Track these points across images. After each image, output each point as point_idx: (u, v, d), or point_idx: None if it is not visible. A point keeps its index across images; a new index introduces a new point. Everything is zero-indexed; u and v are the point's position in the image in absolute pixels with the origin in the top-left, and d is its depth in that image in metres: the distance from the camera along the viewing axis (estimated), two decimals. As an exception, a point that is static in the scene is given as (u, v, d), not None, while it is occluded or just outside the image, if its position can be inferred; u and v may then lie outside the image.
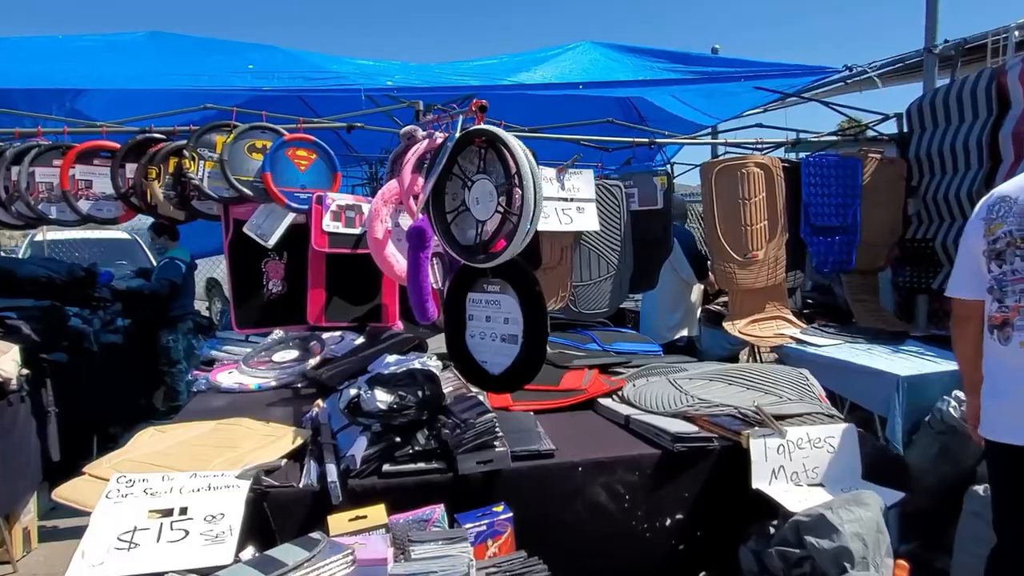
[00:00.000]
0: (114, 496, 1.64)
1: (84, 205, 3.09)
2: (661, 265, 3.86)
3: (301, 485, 1.75)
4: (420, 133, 2.76)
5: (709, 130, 5.99)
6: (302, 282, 3.29)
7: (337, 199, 3.28)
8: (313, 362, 2.91)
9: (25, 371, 3.01)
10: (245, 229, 3.23)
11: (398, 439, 1.86)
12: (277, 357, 3.00)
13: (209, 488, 1.68)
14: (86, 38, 4.10)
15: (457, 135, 1.93)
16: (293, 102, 3.80)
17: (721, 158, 4.10)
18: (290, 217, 3.29)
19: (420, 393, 1.94)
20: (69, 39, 4.05)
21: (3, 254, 7.80)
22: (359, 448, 1.79)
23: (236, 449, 1.90)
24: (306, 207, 3.25)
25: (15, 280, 3.91)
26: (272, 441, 1.95)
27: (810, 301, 4.43)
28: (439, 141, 2.64)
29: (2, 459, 2.79)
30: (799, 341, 3.64)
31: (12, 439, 2.93)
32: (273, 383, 2.80)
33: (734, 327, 3.93)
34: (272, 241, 3.26)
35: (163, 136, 3.20)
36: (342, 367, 2.72)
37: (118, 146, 3.12)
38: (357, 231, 3.28)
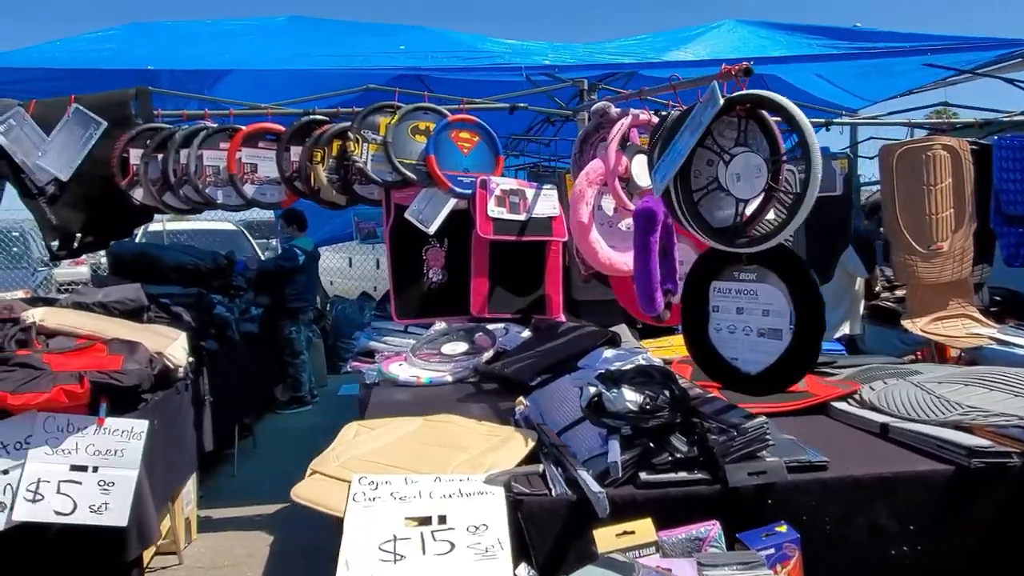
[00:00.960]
0: (361, 500, 1.49)
1: (249, 189, 3.01)
2: (837, 258, 3.55)
3: (554, 494, 1.56)
4: (614, 110, 2.55)
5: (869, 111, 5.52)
6: (463, 271, 3.13)
7: (501, 183, 3.11)
8: (487, 355, 2.74)
9: (191, 359, 2.95)
10: (407, 215, 3.09)
11: (651, 444, 1.65)
12: (446, 349, 2.85)
13: (461, 494, 1.51)
14: (230, 22, 4.06)
15: (720, 102, 1.70)
16: (443, 84, 3.65)
17: (902, 140, 3.75)
18: (452, 203, 3.14)
19: (669, 392, 1.73)
20: (214, 23, 4.02)
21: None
22: (614, 453, 1.59)
23: (467, 450, 1.73)
24: (469, 192, 3.09)
25: (161, 267, 3.90)
26: (501, 442, 1.78)
27: (998, 299, 4.03)
28: (644, 117, 2.43)
29: (168, 446, 2.73)
30: (1001, 342, 3.27)
31: (177, 426, 2.88)
32: (448, 377, 2.64)
33: (915, 325, 3.58)
34: (434, 227, 3.11)
35: (326, 118, 3.09)
36: (526, 361, 2.54)
37: (283, 128, 3.03)
38: (522, 217, 3.10)
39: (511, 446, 1.74)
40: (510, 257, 3.12)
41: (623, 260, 2.31)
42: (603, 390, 1.73)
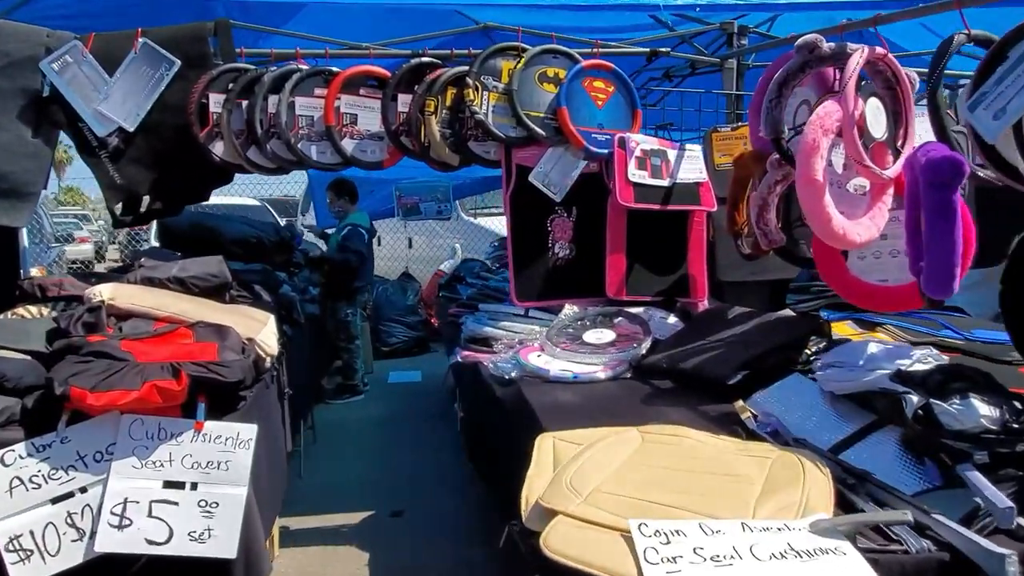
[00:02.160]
0: (658, 561, 1.03)
1: (348, 145, 2.53)
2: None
3: (914, 550, 1.10)
4: (826, 45, 2.07)
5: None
6: (594, 245, 2.66)
7: (642, 142, 2.63)
8: (645, 346, 2.28)
9: (280, 348, 2.49)
10: (532, 178, 2.61)
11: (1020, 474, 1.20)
12: (590, 338, 2.38)
13: (796, 552, 1.05)
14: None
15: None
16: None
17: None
18: (582, 164, 2.66)
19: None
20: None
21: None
22: (997, 496, 1.13)
23: (748, 480, 1.27)
24: (606, 151, 2.61)
25: (221, 240, 3.42)
26: (786, 468, 1.31)
27: None
28: (880, 51, 1.95)
29: (269, 454, 2.26)
30: None
31: (272, 428, 2.41)
32: (600, 374, 2.17)
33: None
34: (562, 193, 2.64)
35: (439, 61, 2.60)
36: (710, 353, 2.07)
37: (388, 73, 2.54)
38: (666, 183, 2.62)
39: (814, 481, 1.27)
40: (649, 230, 2.65)
41: (856, 231, 1.84)
42: (936, 401, 1.27)
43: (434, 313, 6.96)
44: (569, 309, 2.57)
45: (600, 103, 2.65)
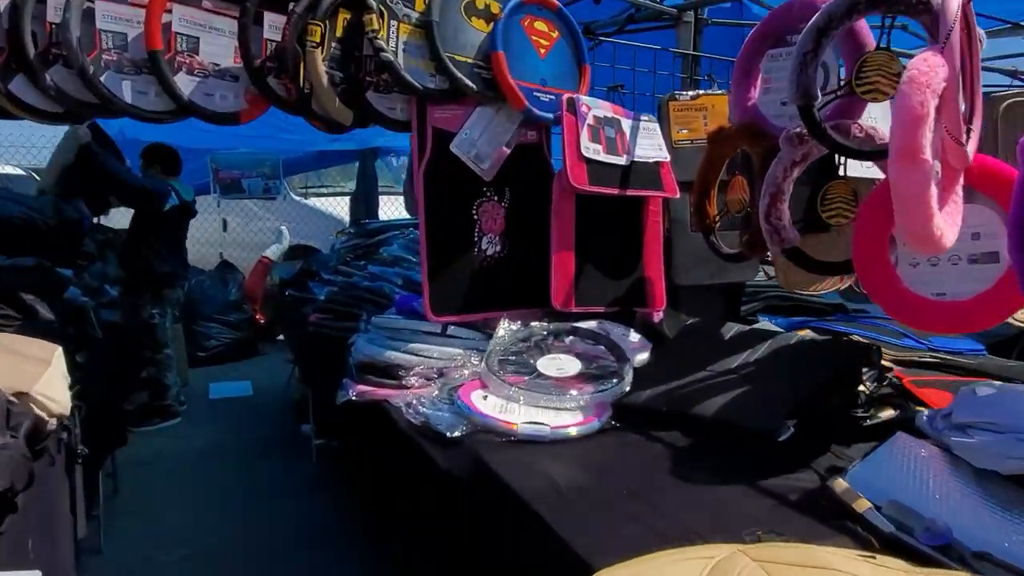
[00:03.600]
0: None
1: (185, 83, 1.65)
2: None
3: None
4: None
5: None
6: (531, 239, 2.02)
7: (594, 107, 2.02)
8: (628, 379, 1.68)
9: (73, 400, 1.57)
10: (454, 147, 1.90)
11: None
12: (546, 367, 1.74)
13: None
14: None
15: None
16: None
17: None
18: (517, 131, 2.00)
19: None
20: None
21: None
22: None
23: None
24: (551, 115, 1.97)
25: (-32, 222, 2.33)
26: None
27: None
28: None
29: (41, 550, 1.37)
30: None
31: (56, 522, 1.51)
32: (576, 428, 1.53)
33: None
34: (493, 169, 1.96)
35: (325, -28, 1.80)
36: (737, 394, 1.52)
37: (249, -21, 1.70)
38: (622, 160, 2.04)
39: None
40: (599, 222, 2.06)
41: (951, 232, 1.37)
42: None
43: (260, 308, 5.94)
44: (506, 325, 1.91)
45: (543, 51, 2.00)
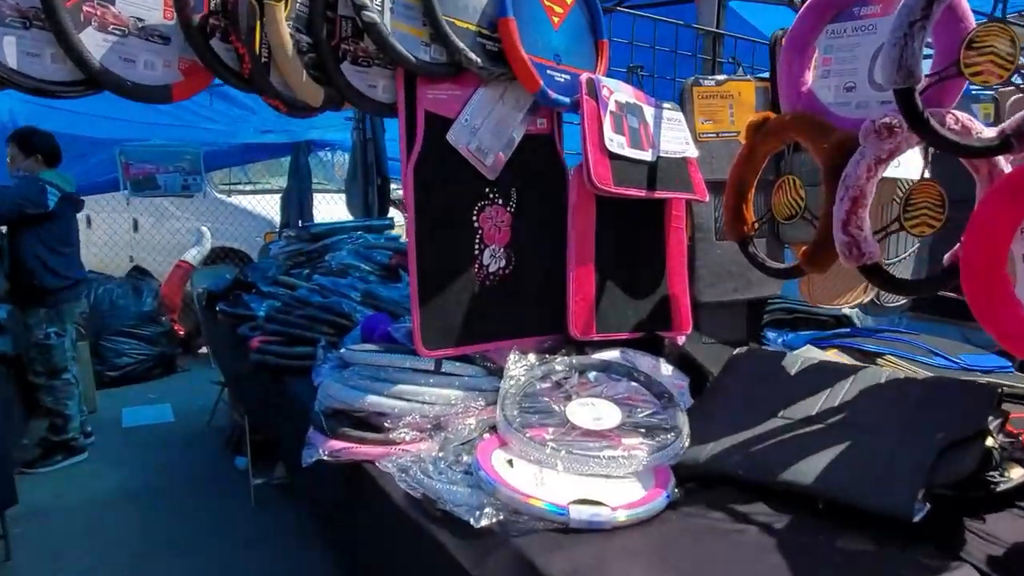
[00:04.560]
0: None
1: (95, 43, 1.20)
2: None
3: None
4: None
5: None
6: (542, 252, 1.64)
7: (616, 90, 1.67)
8: (684, 432, 1.33)
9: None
10: (451, 137, 1.51)
11: None
12: (579, 415, 1.37)
13: None
14: None
15: None
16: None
17: None
18: (526, 118, 1.62)
19: None
20: None
21: None
22: None
23: None
24: (567, 99, 1.60)
25: None
26: None
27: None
28: None
29: None
30: None
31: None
32: (644, 507, 1.17)
33: None
34: (499, 165, 1.58)
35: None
36: (839, 454, 1.19)
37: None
38: (648, 156, 1.69)
39: None
40: (619, 230, 1.71)
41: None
42: None
43: (178, 319, 5.34)
44: (518, 360, 1.52)
45: (556, 21, 1.62)
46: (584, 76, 1.60)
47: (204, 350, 5.07)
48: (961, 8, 1.38)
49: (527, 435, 1.30)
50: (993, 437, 1.20)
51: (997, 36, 1.27)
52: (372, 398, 1.49)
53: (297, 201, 5.38)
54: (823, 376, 1.42)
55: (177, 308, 5.21)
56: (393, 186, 4.34)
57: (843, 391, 1.36)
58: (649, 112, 1.75)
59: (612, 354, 1.66)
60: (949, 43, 1.38)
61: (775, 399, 1.39)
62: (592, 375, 1.53)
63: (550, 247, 1.65)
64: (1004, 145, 1.29)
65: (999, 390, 1.27)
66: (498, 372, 1.60)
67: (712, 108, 1.91)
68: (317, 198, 5.98)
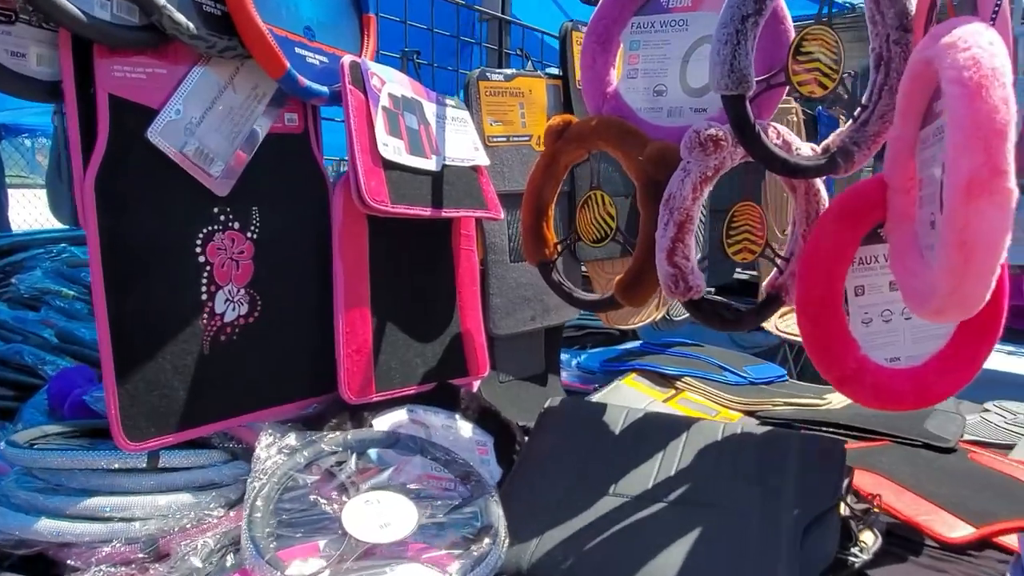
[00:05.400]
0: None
1: None
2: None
3: None
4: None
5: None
6: (297, 291, 1.23)
7: (388, 80, 1.30)
8: (501, 534, 1.01)
9: None
10: (155, 135, 1.03)
11: None
12: (360, 523, 0.99)
13: None
14: None
15: None
16: None
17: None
18: (268, 113, 1.19)
19: None
20: None
21: None
22: None
23: None
24: (325, 90, 1.20)
25: None
26: None
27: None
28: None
29: None
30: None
31: None
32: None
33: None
34: (231, 177, 1.13)
35: None
36: (700, 558, 0.94)
37: None
38: (431, 164, 1.35)
39: None
40: (397, 257, 1.35)
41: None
42: None
43: None
44: (270, 443, 1.10)
45: (306, -17, 1.21)
46: (347, 59, 1.22)
47: None
48: (780, 8, 1.23)
49: (283, 562, 0.91)
50: (846, 504, 1.04)
51: (823, 42, 1.11)
52: (47, 523, 0.99)
53: (-17, 201, 4.26)
54: (653, 434, 1.19)
55: None
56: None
57: (678, 454, 1.14)
58: (431, 109, 1.41)
59: (398, 416, 1.31)
60: (769, 46, 1.21)
61: (604, 469, 1.13)
62: (374, 454, 1.16)
63: (309, 283, 1.25)
64: (831, 164, 1.15)
65: (843, 445, 1.12)
66: (247, 455, 1.17)
67: (501, 107, 1.62)
68: (15, 195, 4.83)
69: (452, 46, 1.59)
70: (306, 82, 1.15)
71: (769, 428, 1.15)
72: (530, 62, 1.68)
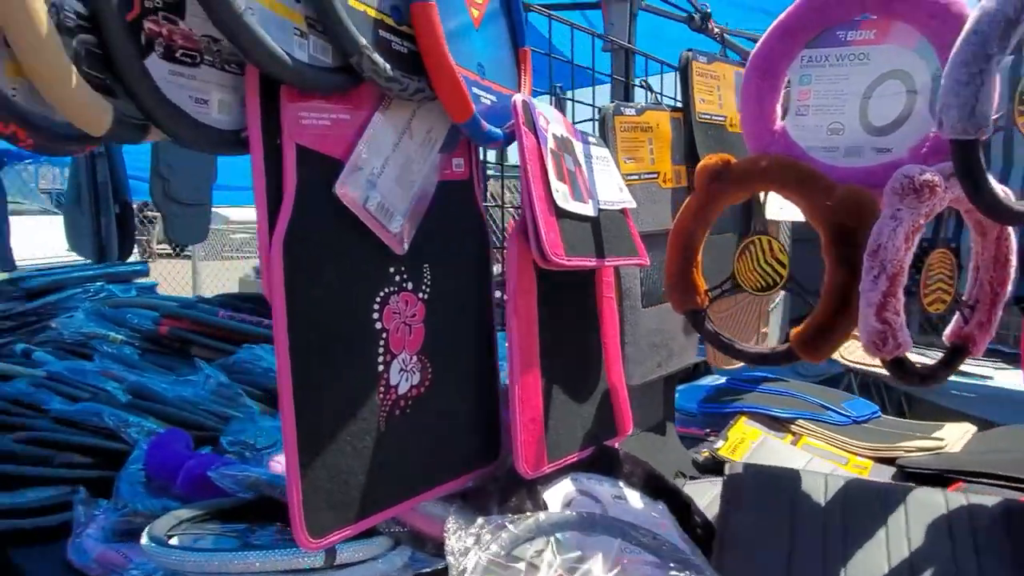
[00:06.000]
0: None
1: None
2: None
3: None
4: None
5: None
6: (465, 356, 1.11)
7: (551, 119, 1.19)
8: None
9: None
10: (343, 190, 0.91)
11: None
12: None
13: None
14: None
15: None
16: None
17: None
18: (440, 160, 1.07)
19: None
20: None
21: None
22: None
23: None
24: (501, 133, 1.08)
25: None
26: None
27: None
28: None
29: None
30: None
31: None
32: None
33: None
34: (410, 231, 1.01)
35: None
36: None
37: None
38: (589, 210, 1.24)
39: None
40: (556, 313, 1.23)
41: None
42: None
43: None
44: (457, 530, 0.98)
45: (477, 16, 1.10)
46: (518, 99, 1.10)
47: None
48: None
49: None
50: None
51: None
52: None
53: (-13, 232, 4.03)
54: (865, 508, 1.08)
55: None
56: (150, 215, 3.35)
57: (904, 533, 1.03)
58: (579, 148, 1.30)
59: (565, 487, 1.19)
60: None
61: (823, 552, 1.02)
62: (565, 539, 1.04)
63: (473, 345, 1.13)
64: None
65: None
66: (411, 540, 1.05)
67: (633, 143, 1.52)
68: (15, 224, 4.60)
69: (588, 79, 1.49)
70: (487, 126, 1.03)
71: (1002, 498, 1.05)
72: (654, 94, 1.58)
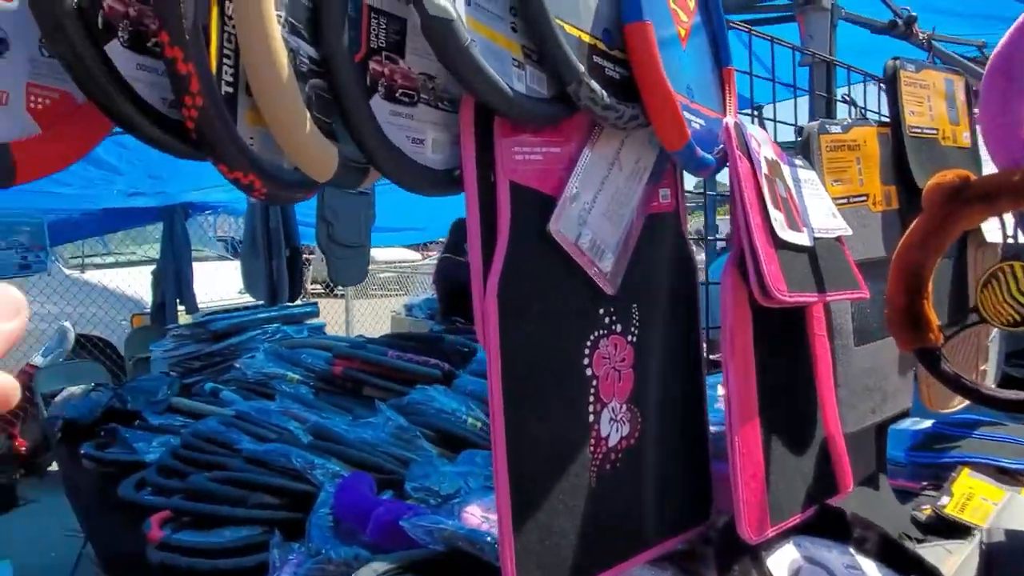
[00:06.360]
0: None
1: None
2: None
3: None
4: None
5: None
6: (674, 402, 1.01)
7: (762, 142, 1.09)
8: None
9: None
10: (556, 227, 0.85)
11: None
12: None
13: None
14: None
15: None
16: None
17: None
18: (645, 191, 0.99)
19: None
20: None
21: None
22: None
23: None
24: (713, 159, 0.99)
25: None
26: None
27: None
28: None
29: None
30: None
31: None
32: None
33: None
34: (621, 270, 0.93)
35: None
36: None
37: None
38: (805, 239, 1.11)
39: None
40: (770, 351, 1.10)
41: None
42: None
43: (20, 433, 4.23)
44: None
45: (683, 34, 1.02)
46: (730, 121, 1.01)
47: (55, 466, 3.99)
48: None
49: None
50: None
51: None
52: None
53: (174, 276, 4.43)
54: None
55: (18, 422, 4.10)
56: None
57: None
58: (787, 172, 1.17)
59: (789, 554, 1.04)
60: None
61: None
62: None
63: (683, 391, 1.03)
64: None
65: None
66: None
67: (840, 164, 1.37)
68: (196, 270, 5.02)
69: (790, 96, 1.37)
70: (700, 152, 0.94)
71: None
72: (857, 109, 1.42)
